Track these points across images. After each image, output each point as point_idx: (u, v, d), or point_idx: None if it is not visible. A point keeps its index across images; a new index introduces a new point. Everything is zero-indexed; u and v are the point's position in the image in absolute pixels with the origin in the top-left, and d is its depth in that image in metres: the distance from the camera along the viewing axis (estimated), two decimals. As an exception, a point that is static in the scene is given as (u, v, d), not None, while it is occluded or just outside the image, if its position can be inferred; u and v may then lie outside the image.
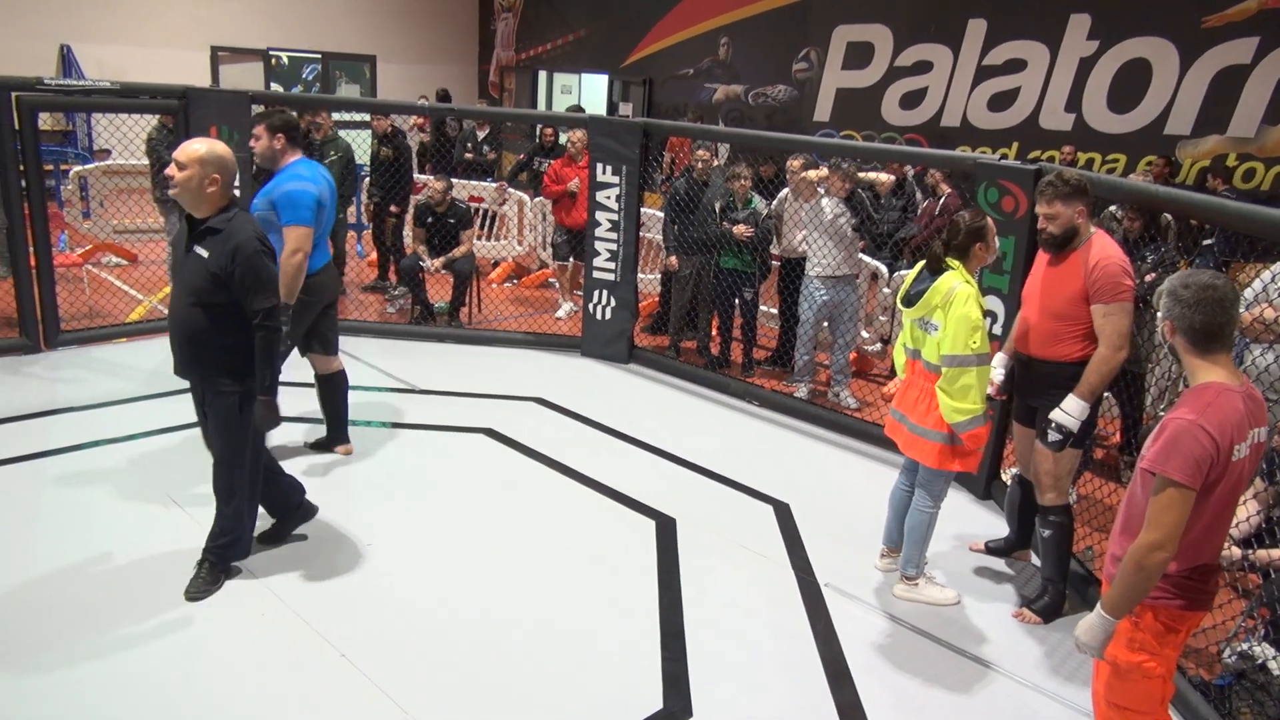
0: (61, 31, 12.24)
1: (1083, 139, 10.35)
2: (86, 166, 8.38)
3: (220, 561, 3.65)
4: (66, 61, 12.15)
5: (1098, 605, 2.36)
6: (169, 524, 4.02)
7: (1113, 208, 5.83)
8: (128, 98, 6.56)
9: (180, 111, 6.31)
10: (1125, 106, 10.09)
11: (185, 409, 4.69)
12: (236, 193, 3.54)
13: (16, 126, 5.68)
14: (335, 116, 8.22)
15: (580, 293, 7.28)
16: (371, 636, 3.35)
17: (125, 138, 6.77)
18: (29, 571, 3.60)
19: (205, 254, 3.30)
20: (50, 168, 9.26)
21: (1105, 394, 4.04)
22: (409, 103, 8.73)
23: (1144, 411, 5.29)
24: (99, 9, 12.57)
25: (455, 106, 8.75)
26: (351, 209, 8.81)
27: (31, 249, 5.93)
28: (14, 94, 5.67)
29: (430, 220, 7.37)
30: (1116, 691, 2.46)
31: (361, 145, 8.36)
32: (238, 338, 3.37)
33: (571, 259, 7.78)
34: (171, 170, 3.27)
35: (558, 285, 8.22)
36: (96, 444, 4.72)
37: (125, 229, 8.39)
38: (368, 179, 8.46)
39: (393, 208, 8.16)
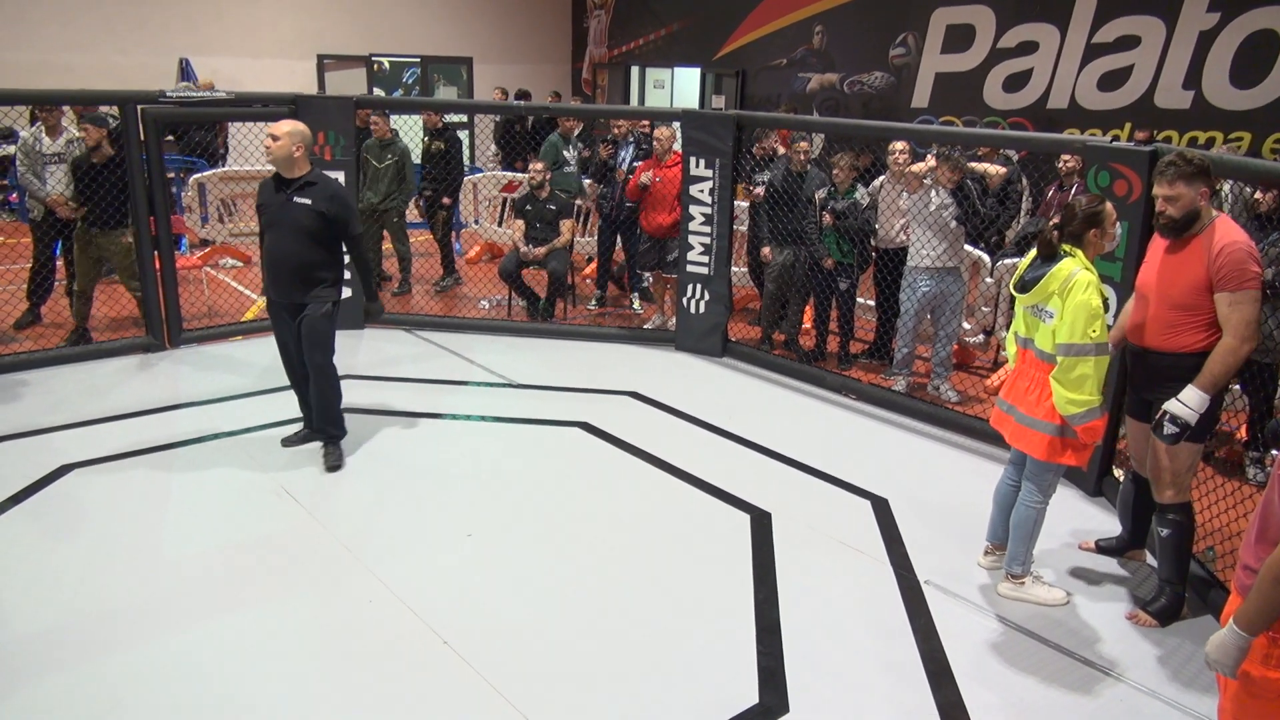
0: (181, 46, 12.90)
1: (1202, 117, 9.79)
2: (205, 174, 8.82)
3: (341, 434, 4.81)
4: (185, 74, 12.81)
5: (1230, 621, 2.21)
6: (282, 512, 4.23)
7: (1246, 188, 5.49)
8: (241, 106, 6.87)
9: (290, 118, 6.56)
10: (1250, 81, 9.49)
11: (296, 404, 4.93)
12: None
13: (142, 137, 6.03)
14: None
15: (669, 303, 7.27)
16: (473, 625, 3.43)
17: (240, 145, 7.10)
18: (157, 553, 3.83)
19: (309, 201, 4.48)
20: (171, 175, 9.76)
21: (1232, 385, 3.83)
22: (505, 102, 8.89)
23: (1273, 405, 4.99)
24: (215, 23, 13.21)
25: (551, 105, 8.84)
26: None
27: (156, 253, 6.29)
28: (139, 107, 6.02)
29: (529, 208, 7.46)
30: (1246, 709, 2.30)
31: (415, 141, 8.50)
32: (330, 259, 4.60)
33: (658, 270, 7.33)
34: (268, 142, 4.45)
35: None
36: (216, 436, 4.99)
37: (240, 232, 8.80)
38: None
39: (444, 200, 8.31)
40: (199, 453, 4.81)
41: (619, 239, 7.93)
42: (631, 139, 7.72)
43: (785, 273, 6.69)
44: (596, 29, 16.58)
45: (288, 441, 4.90)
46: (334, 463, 4.68)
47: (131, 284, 6.43)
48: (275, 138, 4.44)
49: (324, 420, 4.78)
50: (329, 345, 4.68)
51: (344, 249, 4.71)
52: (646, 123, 8.81)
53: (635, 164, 7.36)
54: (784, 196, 6.59)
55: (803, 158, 6.61)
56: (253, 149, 7.50)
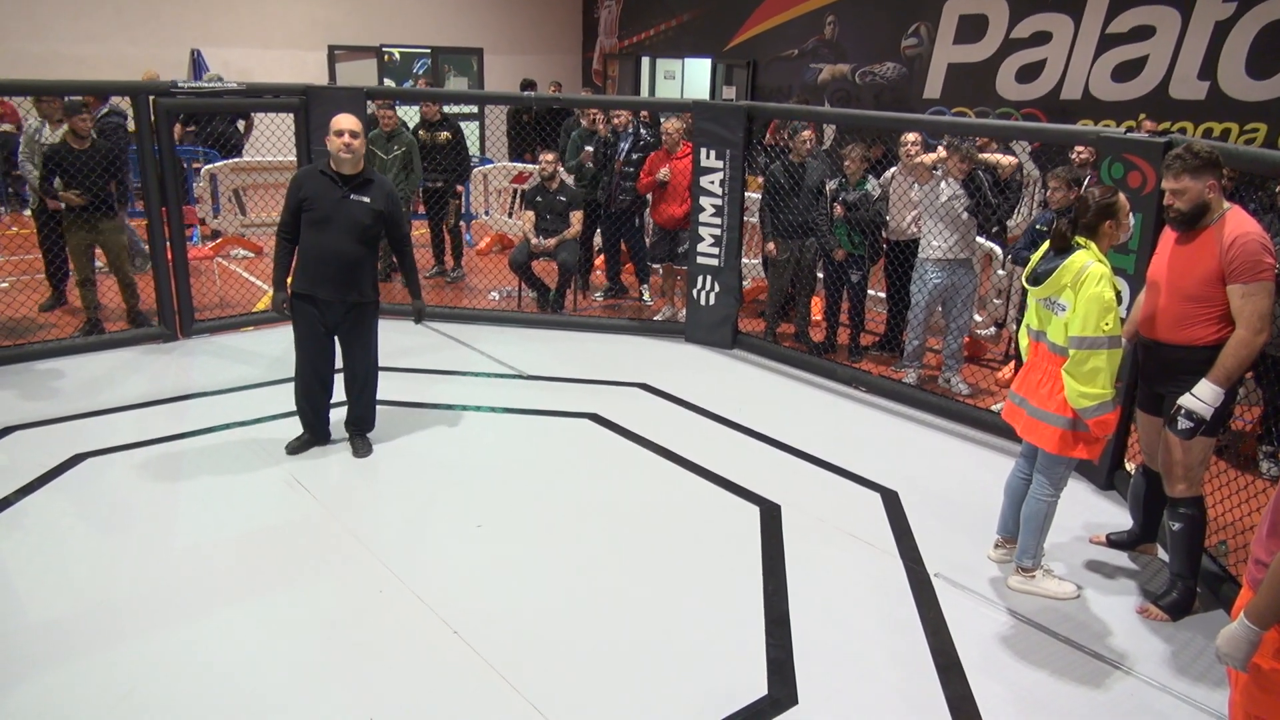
0: (193, 37, 12.95)
1: (1218, 108, 9.72)
2: (217, 164, 8.83)
3: (372, 428, 4.86)
4: (197, 65, 12.84)
5: (1241, 614, 2.20)
6: (292, 502, 4.25)
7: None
8: (253, 98, 6.88)
9: (302, 108, 6.59)
10: (1266, 72, 9.41)
11: (308, 394, 4.93)
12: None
13: (154, 128, 6.04)
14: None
15: (680, 295, 7.25)
16: (482, 615, 3.45)
17: (255, 136, 7.10)
18: (168, 544, 3.86)
19: (368, 199, 4.44)
20: (197, 165, 9.77)
21: (1246, 376, 3.80)
22: (514, 93, 8.88)
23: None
24: (227, 14, 13.24)
25: (561, 95, 8.81)
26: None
27: (168, 244, 6.32)
28: (151, 98, 6.03)
29: (539, 200, 7.45)
30: (1256, 701, 2.29)
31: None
32: (375, 257, 4.57)
33: (669, 262, 7.29)
34: (348, 140, 4.34)
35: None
36: (227, 427, 5.01)
37: (252, 223, 8.82)
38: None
39: (458, 188, 8.33)
40: (211, 443, 4.83)
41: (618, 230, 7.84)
42: (630, 131, 7.61)
43: (786, 267, 6.66)
44: (607, 19, 16.54)
45: (292, 449, 4.73)
46: (367, 453, 4.75)
47: (123, 269, 6.33)
48: (356, 135, 4.36)
49: (363, 416, 4.82)
50: (376, 347, 4.77)
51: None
52: (646, 114, 8.75)
53: (634, 156, 7.31)
54: (784, 189, 6.53)
55: (809, 147, 6.57)
56: (269, 140, 7.52)
